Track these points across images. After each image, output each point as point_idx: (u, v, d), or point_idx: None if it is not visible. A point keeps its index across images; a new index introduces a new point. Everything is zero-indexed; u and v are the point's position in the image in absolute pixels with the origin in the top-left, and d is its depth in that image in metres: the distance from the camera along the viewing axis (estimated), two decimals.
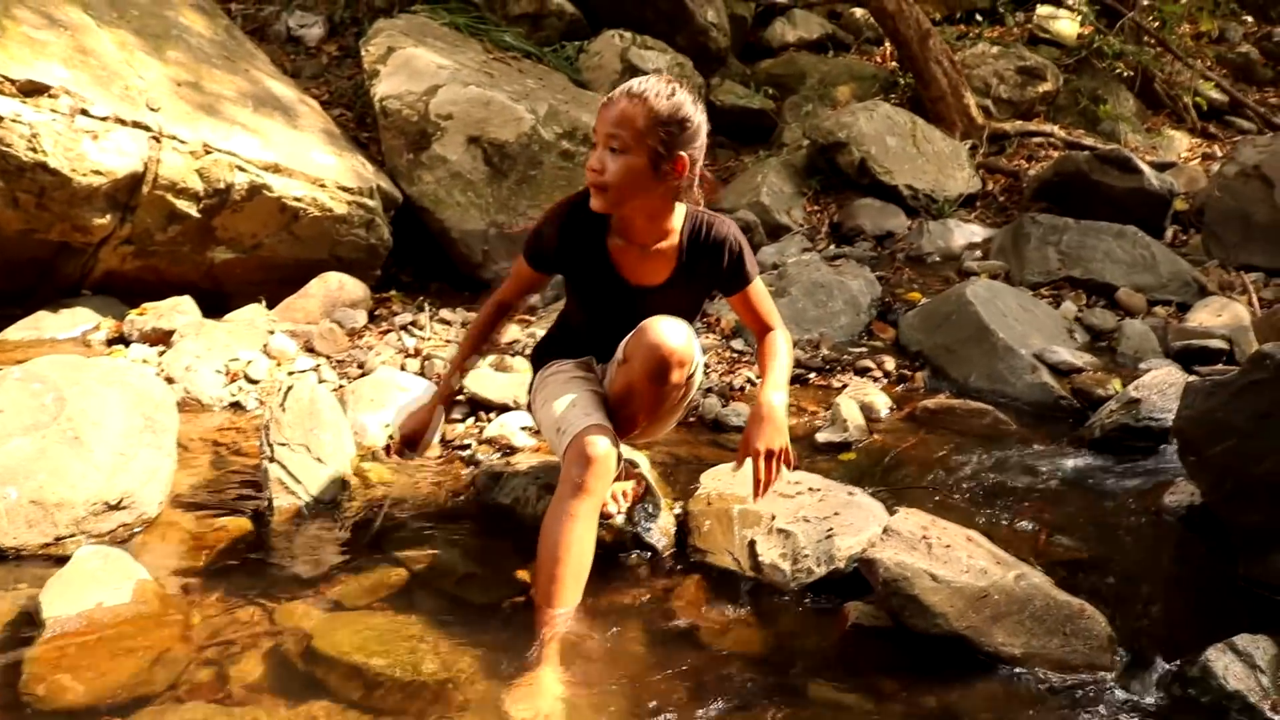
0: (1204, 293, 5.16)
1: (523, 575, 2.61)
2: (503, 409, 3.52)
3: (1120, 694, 2.27)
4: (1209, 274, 5.45)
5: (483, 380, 3.61)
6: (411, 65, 5.23)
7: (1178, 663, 2.33)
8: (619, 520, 2.74)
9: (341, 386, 3.65)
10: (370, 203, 4.67)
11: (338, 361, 3.93)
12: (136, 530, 2.74)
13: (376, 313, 4.49)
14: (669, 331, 2.41)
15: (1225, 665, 2.25)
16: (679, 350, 2.41)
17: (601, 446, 2.38)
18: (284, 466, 2.91)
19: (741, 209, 5.72)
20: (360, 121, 5.61)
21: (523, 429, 3.39)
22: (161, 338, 3.88)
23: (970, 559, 2.44)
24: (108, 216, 4.02)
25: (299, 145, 4.59)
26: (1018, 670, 2.29)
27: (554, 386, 2.64)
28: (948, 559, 2.43)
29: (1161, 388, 3.66)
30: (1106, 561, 2.82)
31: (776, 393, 2.46)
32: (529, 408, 2.84)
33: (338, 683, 2.23)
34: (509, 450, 3.31)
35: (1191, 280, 5.26)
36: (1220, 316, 4.74)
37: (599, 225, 2.52)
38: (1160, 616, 2.58)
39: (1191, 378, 3.46)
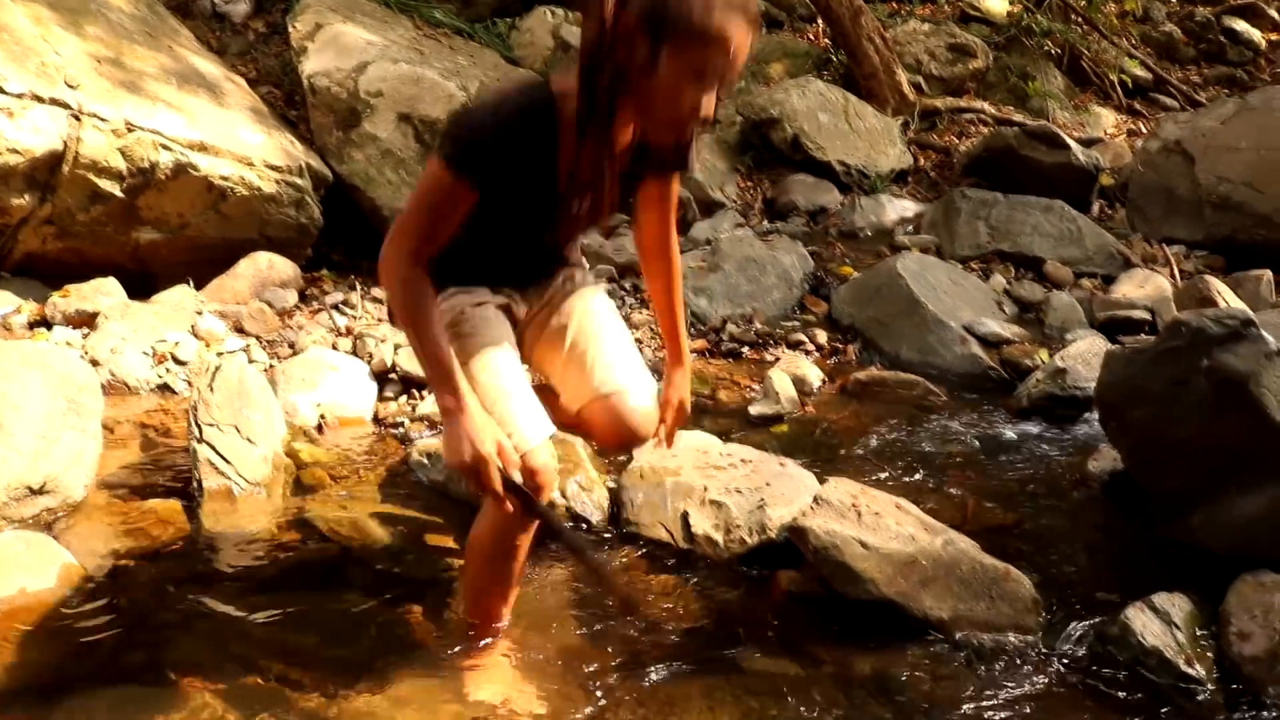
0: (1128, 265, 5.27)
1: (449, 544, 2.62)
2: None
3: (1044, 653, 2.33)
4: (1133, 247, 5.56)
5: (414, 357, 3.59)
6: (340, 42, 5.15)
7: (1099, 621, 2.40)
8: (552, 495, 2.74)
9: (272, 367, 3.61)
10: (300, 181, 4.60)
11: (268, 342, 3.88)
12: (61, 515, 2.69)
13: (307, 292, 4.43)
14: (644, 417, 2.19)
15: (1143, 623, 2.32)
16: (648, 430, 2.23)
17: (551, 464, 2.04)
18: (213, 447, 2.87)
19: None
20: (288, 99, 5.52)
21: None
22: (86, 320, 3.80)
23: (899, 526, 2.49)
24: (26, 197, 3.93)
25: (225, 123, 4.51)
26: (946, 633, 2.34)
27: (477, 338, 2.10)
28: (877, 526, 2.47)
29: (1086, 357, 3.75)
30: (1032, 526, 2.89)
31: (687, 342, 2.41)
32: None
33: (273, 662, 2.22)
34: (442, 428, 3.29)
35: (1116, 253, 5.37)
36: (1143, 288, 4.85)
37: (549, 122, 1.94)
38: (1083, 578, 2.64)
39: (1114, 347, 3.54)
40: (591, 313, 2.27)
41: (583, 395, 2.20)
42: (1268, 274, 4.88)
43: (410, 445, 3.18)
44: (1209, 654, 2.32)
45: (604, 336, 2.25)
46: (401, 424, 3.34)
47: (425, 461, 2.99)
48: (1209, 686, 2.25)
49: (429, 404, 3.39)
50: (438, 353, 1.93)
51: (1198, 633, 2.36)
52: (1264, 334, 2.62)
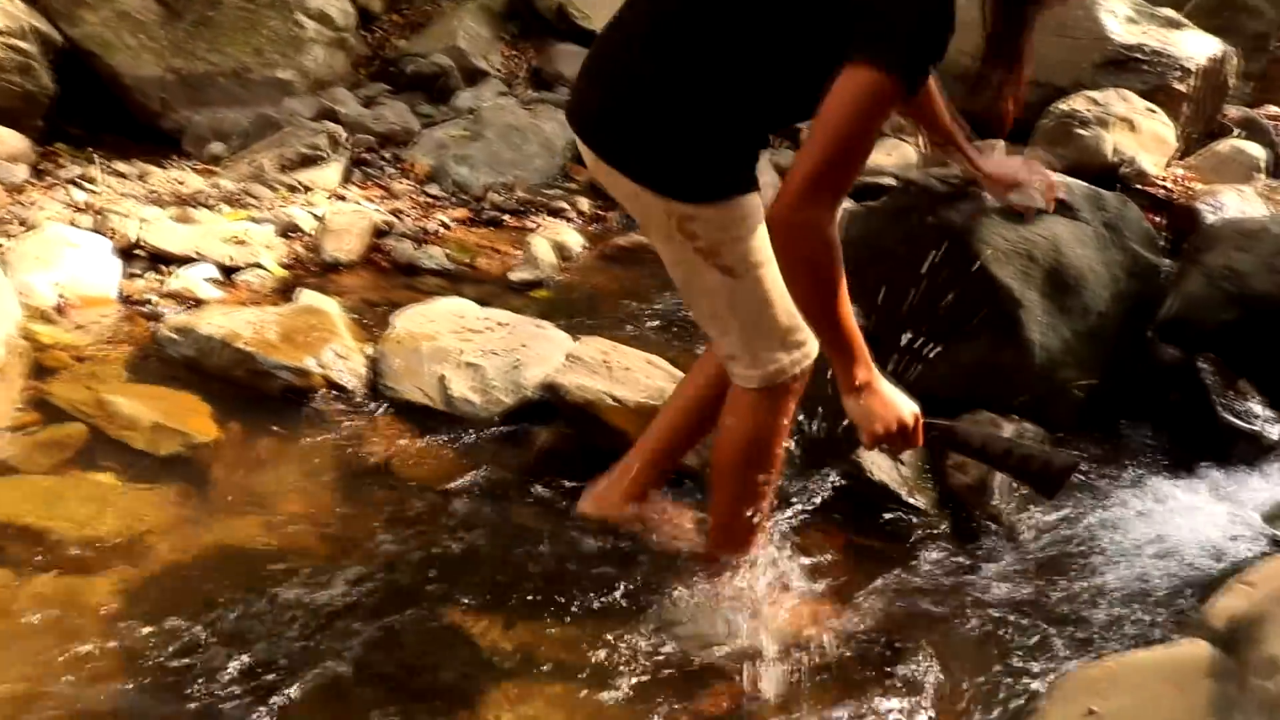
0: (880, 136, 5.50)
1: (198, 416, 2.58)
2: (185, 261, 3.37)
3: (792, 493, 2.50)
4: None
5: (163, 232, 3.44)
6: None
7: (840, 463, 2.59)
8: (308, 364, 2.72)
9: (1, 246, 3.38)
10: (24, 45, 4.26)
11: None
12: None
13: (41, 167, 4.15)
14: None
15: (873, 461, 2.53)
16: None
17: None
18: None
19: (436, 53, 5.58)
20: None
21: (206, 280, 3.27)
22: None
23: (649, 380, 2.59)
24: None
25: None
26: (697, 479, 2.48)
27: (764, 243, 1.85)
28: (627, 381, 2.57)
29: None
30: None
31: None
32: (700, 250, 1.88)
33: (12, 547, 2.17)
34: (193, 303, 3.19)
35: None
36: (890, 156, 5.09)
37: None
38: (829, 428, 2.81)
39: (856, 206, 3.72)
40: None
41: None
42: (1001, 143, 5.20)
43: (159, 322, 3.06)
44: (930, 487, 2.56)
45: None
46: (150, 300, 3.21)
47: (175, 337, 2.88)
48: (929, 514, 2.48)
49: (179, 280, 3.26)
50: (854, 329, 1.75)
51: (922, 468, 2.58)
52: (983, 193, 2.81)
